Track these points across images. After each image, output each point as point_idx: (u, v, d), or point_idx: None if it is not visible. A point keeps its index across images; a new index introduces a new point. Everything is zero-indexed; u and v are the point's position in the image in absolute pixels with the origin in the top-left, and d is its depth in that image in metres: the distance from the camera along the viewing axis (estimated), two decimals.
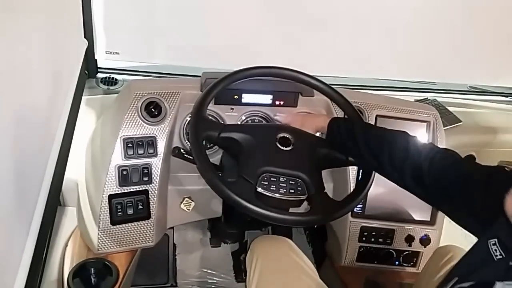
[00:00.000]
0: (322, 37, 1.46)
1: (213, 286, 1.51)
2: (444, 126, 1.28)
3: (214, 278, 1.51)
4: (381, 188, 1.19)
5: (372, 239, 1.22)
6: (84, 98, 1.31)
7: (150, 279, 1.46)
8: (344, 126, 0.97)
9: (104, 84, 1.44)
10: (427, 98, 1.71)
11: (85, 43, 1.29)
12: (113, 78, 1.46)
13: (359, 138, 0.91)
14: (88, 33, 1.30)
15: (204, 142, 1.09)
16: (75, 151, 1.13)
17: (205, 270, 1.52)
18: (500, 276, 0.54)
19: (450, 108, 1.68)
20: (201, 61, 1.43)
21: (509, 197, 0.60)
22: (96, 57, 1.39)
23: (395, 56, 1.57)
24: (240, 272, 1.53)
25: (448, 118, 1.59)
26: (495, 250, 0.59)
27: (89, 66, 1.39)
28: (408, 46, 1.55)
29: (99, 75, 1.45)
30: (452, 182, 0.76)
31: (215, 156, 1.12)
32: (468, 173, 0.76)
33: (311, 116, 1.11)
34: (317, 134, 1.10)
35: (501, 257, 0.57)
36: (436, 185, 0.79)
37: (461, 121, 1.60)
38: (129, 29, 1.36)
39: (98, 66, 1.44)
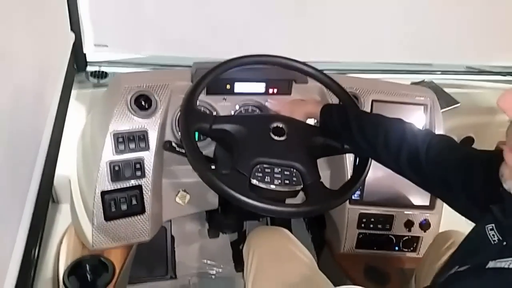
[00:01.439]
0: (315, 22, 1.43)
1: (213, 276, 1.50)
2: (441, 108, 1.26)
3: (214, 268, 1.51)
4: (379, 174, 1.18)
5: (371, 225, 1.21)
6: (73, 92, 1.28)
7: (149, 272, 1.46)
8: (336, 113, 0.95)
9: (94, 77, 1.41)
10: (423, 80, 1.68)
11: (72, 37, 1.26)
12: (103, 71, 1.43)
13: (352, 124, 0.89)
14: (75, 26, 1.27)
15: (197, 134, 1.07)
16: (67, 147, 1.11)
17: (205, 261, 1.52)
18: (493, 256, 0.53)
19: (447, 90, 1.65)
20: (193, 52, 1.40)
21: (504, 169, 0.58)
22: (84, 51, 1.36)
23: (390, 38, 1.54)
24: (239, 262, 1.51)
25: (446, 100, 1.57)
26: (493, 235, 0.58)
27: (78, 60, 1.36)
28: (403, 27, 1.52)
29: (89, 69, 1.42)
30: (450, 167, 0.75)
31: (209, 148, 1.10)
32: (466, 157, 0.74)
33: (301, 103, 1.08)
34: (312, 122, 1.08)
35: (497, 241, 0.56)
36: (434, 170, 0.78)
37: (458, 103, 1.57)
38: (117, 20, 1.33)
39: (87, 59, 1.41)
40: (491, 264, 0.53)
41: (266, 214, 0.80)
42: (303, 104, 1.07)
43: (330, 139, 0.96)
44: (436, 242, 1.03)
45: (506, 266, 0.50)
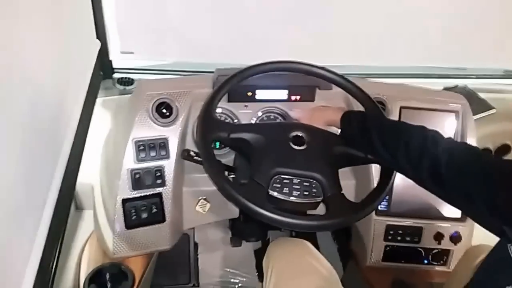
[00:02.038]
0: (339, 25, 1.39)
1: (235, 286, 1.48)
2: (475, 114, 1.20)
3: (237, 277, 1.49)
4: (407, 183, 1.12)
5: (399, 238, 1.16)
6: (100, 99, 1.30)
7: (171, 279, 1.46)
8: (355, 120, 0.91)
9: (121, 84, 1.42)
10: (457, 85, 1.61)
11: (98, 44, 1.28)
12: (129, 78, 1.44)
13: (372, 132, 0.85)
14: (101, 33, 1.28)
15: (217, 143, 1.06)
16: (91, 153, 1.12)
17: (228, 269, 1.50)
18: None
19: (483, 95, 1.57)
20: (217, 57, 1.40)
21: None
22: (110, 58, 1.38)
23: (422, 40, 1.48)
24: (262, 271, 1.49)
25: (480, 105, 1.49)
26: None
27: (104, 67, 1.38)
28: (435, 28, 1.46)
29: (115, 76, 1.44)
30: (472, 178, 0.70)
31: (229, 156, 1.09)
32: (490, 168, 0.69)
33: (322, 109, 1.05)
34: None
35: None
36: (455, 182, 0.73)
37: (494, 108, 1.49)
38: (141, 28, 1.34)
39: (114, 66, 1.43)
40: None
41: (283, 227, 0.78)
42: (324, 111, 1.04)
43: (352, 148, 0.93)
44: (466, 257, 0.97)
45: None
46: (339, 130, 0.97)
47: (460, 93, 1.25)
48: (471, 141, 1.15)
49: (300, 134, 0.91)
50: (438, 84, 1.63)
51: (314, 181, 0.85)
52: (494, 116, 1.48)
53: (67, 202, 0.92)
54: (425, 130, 0.83)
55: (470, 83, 1.66)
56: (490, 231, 0.68)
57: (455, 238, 1.15)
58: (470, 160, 0.73)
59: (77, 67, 1.11)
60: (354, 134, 0.90)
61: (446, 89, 1.59)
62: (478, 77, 1.72)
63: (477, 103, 1.49)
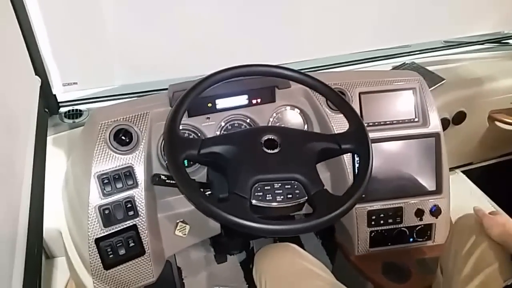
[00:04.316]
0: (286, 24, 1.38)
1: None
2: (429, 88, 1.23)
3: None
4: (379, 167, 1.13)
5: (381, 221, 1.16)
6: (50, 137, 1.22)
7: None
8: None
9: (69, 118, 1.34)
10: (404, 62, 1.65)
11: (38, 81, 1.19)
12: (77, 109, 1.36)
13: None
14: (40, 69, 1.20)
15: (185, 162, 1.01)
16: (52, 197, 1.05)
17: (216, 287, 1.45)
18: None
19: (430, 68, 1.62)
20: (168, 74, 1.34)
21: None
22: (54, 92, 1.29)
23: (364, 25, 1.50)
24: (252, 281, 1.46)
25: (431, 78, 1.53)
26: None
27: (49, 103, 1.29)
28: (375, 12, 1.48)
29: (62, 110, 1.35)
30: None
31: (200, 172, 1.05)
32: None
33: None
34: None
35: None
36: None
37: (444, 79, 1.54)
38: (81, 55, 1.26)
39: (59, 100, 1.34)
40: None
41: (275, 236, 0.75)
42: None
43: (326, 141, 0.91)
44: (456, 229, 0.98)
45: None
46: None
47: (410, 70, 1.27)
48: (433, 113, 1.17)
49: (271, 137, 0.89)
50: (386, 65, 1.67)
51: (296, 182, 0.83)
52: (444, 86, 1.52)
53: (38, 253, 0.85)
54: None
55: (415, 59, 1.71)
56: None
57: (435, 212, 1.17)
58: None
59: (20, 110, 1.03)
60: None
61: (395, 68, 1.62)
62: (421, 52, 1.78)
63: (427, 77, 1.53)
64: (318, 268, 0.96)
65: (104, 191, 0.93)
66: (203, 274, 1.48)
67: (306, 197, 0.82)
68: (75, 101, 1.39)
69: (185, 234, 1.02)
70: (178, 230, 1.02)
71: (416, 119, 1.18)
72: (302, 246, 1.39)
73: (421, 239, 1.19)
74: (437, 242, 1.19)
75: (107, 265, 0.94)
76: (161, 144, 1.02)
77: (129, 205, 0.94)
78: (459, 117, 1.52)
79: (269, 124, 1.10)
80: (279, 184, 0.82)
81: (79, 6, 1.16)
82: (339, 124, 1.10)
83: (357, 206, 1.13)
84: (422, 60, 1.70)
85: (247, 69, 0.95)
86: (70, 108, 1.36)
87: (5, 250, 0.74)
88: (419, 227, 1.18)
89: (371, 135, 0.94)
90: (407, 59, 1.69)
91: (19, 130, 0.98)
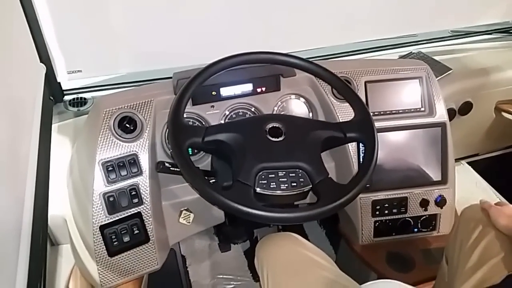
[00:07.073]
0: (293, 11, 1.37)
1: None
2: (436, 77, 1.22)
3: (232, 282, 1.45)
4: (384, 157, 1.13)
5: (386, 211, 1.16)
6: (55, 125, 1.22)
7: None
8: None
9: (74, 106, 1.34)
10: (411, 52, 1.63)
11: (43, 68, 1.19)
12: (81, 98, 1.36)
13: None
14: (44, 57, 1.20)
15: (189, 150, 1.01)
16: (57, 184, 1.05)
17: (220, 276, 1.46)
18: None
19: (436, 57, 1.60)
20: (173, 62, 1.33)
21: None
22: (58, 80, 1.29)
23: (370, 14, 1.49)
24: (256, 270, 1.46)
25: (438, 68, 1.52)
26: None
27: (54, 91, 1.29)
28: (382, 1, 1.47)
29: (66, 98, 1.35)
30: None
31: (204, 161, 1.04)
32: None
33: None
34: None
35: None
36: None
37: (451, 69, 1.52)
38: (86, 43, 1.26)
39: (64, 88, 1.34)
40: None
41: (279, 224, 0.74)
42: None
43: (331, 130, 0.90)
44: (462, 219, 0.97)
45: None
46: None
47: (417, 59, 1.26)
48: (439, 103, 1.16)
49: (276, 125, 0.88)
50: (393, 55, 1.65)
51: (300, 170, 0.82)
52: (451, 77, 1.51)
53: (43, 240, 0.85)
54: None
55: (422, 48, 1.69)
56: None
57: (440, 202, 1.16)
58: None
59: (25, 98, 1.03)
60: None
61: (401, 57, 1.61)
62: (428, 41, 1.76)
63: (434, 66, 1.51)
64: (319, 257, 0.96)
65: (109, 179, 0.93)
66: (207, 263, 1.48)
67: (311, 186, 0.82)
68: (79, 89, 1.38)
69: (189, 222, 1.03)
70: (182, 218, 1.02)
71: (422, 109, 1.17)
72: (305, 236, 1.39)
73: (425, 230, 1.19)
74: (441, 233, 1.19)
75: (112, 252, 0.94)
76: (165, 132, 1.02)
77: (134, 193, 0.95)
78: (466, 108, 1.51)
79: (274, 113, 1.09)
80: (284, 172, 0.82)
81: None
82: (344, 113, 1.09)
83: (361, 195, 1.13)
84: (429, 49, 1.68)
85: (251, 57, 0.94)
86: (75, 96, 1.36)
87: (10, 237, 0.74)
88: (424, 217, 1.17)
89: (377, 124, 0.94)
90: (413, 49, 1.67)
91: (24, 118, 0.98)
